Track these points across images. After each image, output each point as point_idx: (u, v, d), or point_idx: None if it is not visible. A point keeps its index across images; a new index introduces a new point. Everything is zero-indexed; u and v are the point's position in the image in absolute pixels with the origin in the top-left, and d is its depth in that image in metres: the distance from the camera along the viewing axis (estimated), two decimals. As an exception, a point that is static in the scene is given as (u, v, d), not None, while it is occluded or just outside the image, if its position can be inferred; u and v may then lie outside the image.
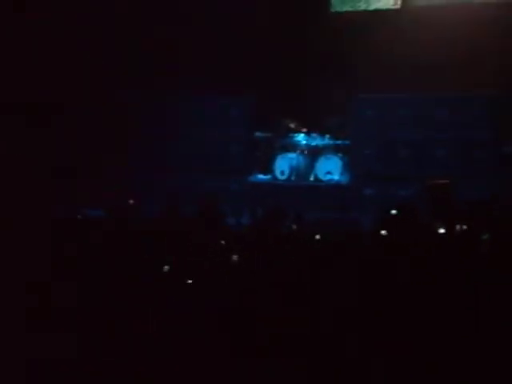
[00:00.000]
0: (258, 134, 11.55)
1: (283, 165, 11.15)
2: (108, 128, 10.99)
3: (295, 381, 3.46)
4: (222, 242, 5.59)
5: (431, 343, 3.58)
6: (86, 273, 4.45)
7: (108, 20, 11.05)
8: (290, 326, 3.76)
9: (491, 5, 10.78)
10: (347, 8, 11.86)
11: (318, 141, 11.28)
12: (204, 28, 11.37)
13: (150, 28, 11.17)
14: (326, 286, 4.25)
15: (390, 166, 10.56)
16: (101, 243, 5.10)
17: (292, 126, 11.44)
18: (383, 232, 5.78)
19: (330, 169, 10.96)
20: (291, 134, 11.38)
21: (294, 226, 6.20)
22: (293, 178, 11.08)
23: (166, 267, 4.60)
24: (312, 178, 11.07)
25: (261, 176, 11.41)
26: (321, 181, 10.98)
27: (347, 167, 10.95)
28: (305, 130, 11.38)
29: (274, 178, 11.22)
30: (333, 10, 11.92)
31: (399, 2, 11.52)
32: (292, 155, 11.14)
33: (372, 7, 11.71)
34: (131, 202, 9.45)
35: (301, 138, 11.32)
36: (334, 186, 10.78)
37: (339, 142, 11.13)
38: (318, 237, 5.85)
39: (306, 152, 11.18)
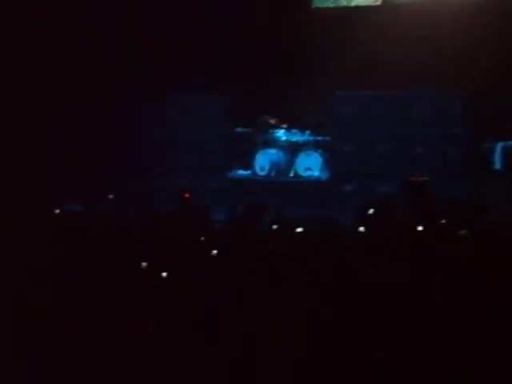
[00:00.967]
0: (238, 129, 11.56)
1: (263, 160, 11.17)
2: (85, 126, 10.95)
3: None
4: (202, 238, 5.60)
5: (413, 339, 3.61)
6: (68, 270, 4.44)
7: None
8: (270, 324, 3.77)
9: (471, 2, 10.85)
10: (328, 4, 11.88)
11: (298, 137, 11.31)
12: (181, 25, 11.34)
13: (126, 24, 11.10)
14: (304, 283, 4.27)
15: (369, 162, 10.62)
16: (82, 240, 5.07)
17: (272, 121, 11.45)
18: (361, 229, 5.82)
19: (310, 165, 10.99)
20: (271, 130, 11.40)
21: (275, 226, 6.21)
22: (273, 173, 11.10)
23: (144, 264, 4.59)
24: (292, 174, 11.10)
25: (241, 172, 11.42)
26: (301, 177, 11.01)
27: (327, 163, 10.99)
28: (285, 125, 11.40)
29: (254, 173, 11.24)
30: (314, 5, 11.94)
31: (380, 0, 11.57)
32: (272, 151, 11.16)
33: (353, 3, 11.74)
34: (111, 196, 9.45)
35: (281, 133, 11.34)
36: (314, 183, 10.82)
37: (319, 138, 11.17)
38: (299, 229, 5.87)
39: (286, 148, 11.22)
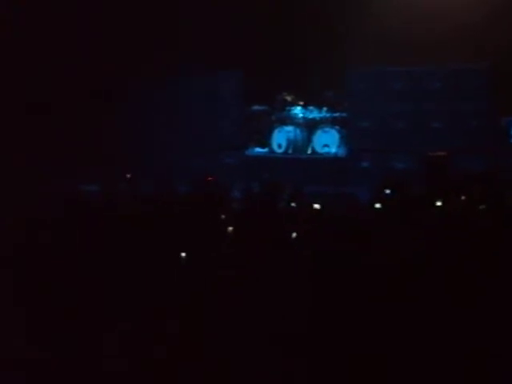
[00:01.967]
0: (254, 107, 11.53)
1: (280, 138, 11.15)
2: (100, 112, 11.00)
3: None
4: (223, 216, 5.57)
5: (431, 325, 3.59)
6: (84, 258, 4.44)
7: None
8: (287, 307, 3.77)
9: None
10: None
11: (315, 114, 11.27)
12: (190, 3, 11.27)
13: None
14: (324, 261, 4.26)
15: (387, 138, 10.55)
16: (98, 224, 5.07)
17: (289, 99, 11.42)
18: (378, 205, 5.79)
19: (328, 142, 10.96)
20: (288, 108, 11.37)
21: (293, 204, 6.19)
22: (290, 151, 11.08)
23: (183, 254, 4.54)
24: (309, 151, 11.07)
25: (258, 149, 11.41)
26: (318, 153, 10.98)
27: (344, 140, 10.95)
28: (302, 103, 11.36)
29: (271, 151, 11.23)
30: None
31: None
32: (289, 128, 11.13)
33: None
34: (128, 176, 9.48)
35: (298, 111, 11.31)
36: (332, 159, 10.78)
37: (336, 114, 11.12)
38: (316, 206, 5.85)
39: (303, 125, 11.18)
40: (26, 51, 10.32)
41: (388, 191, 6.32)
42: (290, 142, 11.08)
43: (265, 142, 11.33)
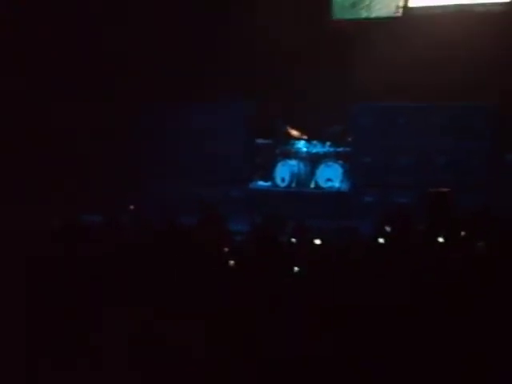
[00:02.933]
0: (258, 140, 11.59)
1: (284, 172, 11.18)
2: (108, 134, 11.04)
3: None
4: (226, 249, 5.57)
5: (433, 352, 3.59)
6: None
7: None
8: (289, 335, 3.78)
9: (492, 14, 10.82)
10: (348, 16, 11.88)
11: (318, 148, 11.32)
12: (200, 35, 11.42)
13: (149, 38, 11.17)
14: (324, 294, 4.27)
15: (390, 173, 10.58)
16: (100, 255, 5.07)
17: (293, 133, 11.48)
18: (381, 240, 5.79)
19: (331, 176, 10.99)
20: (292, 141, 11.42)
21: (293, 240, 6.19)
22: (293, 184, 11.11)
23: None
24: (313, 185, 11.10)
25: (261, 183, 11.44)
26: (321, 188, 11.00)
27: (348, 174, 10.98)
28: (305, 137, 11.42)
29: (275, 184, 11.25)
30: (334, 17, 11.95)
31: (400, 11, 11.55)
32: (293, 162, 11.18)
33: (373, 15, 11.73)
34: (132, 207, 9.48)
35: (301, 145, 11.37)
36: (335, 194, 10.80)
37: (340, 149, 11.17)
38: (318, 242, 5.85)
39: (306, 159, 11.22)
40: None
41: (389, 228, 6.33)
42: (293, 176, 11.11)
43: (268, 175, 11.37)
